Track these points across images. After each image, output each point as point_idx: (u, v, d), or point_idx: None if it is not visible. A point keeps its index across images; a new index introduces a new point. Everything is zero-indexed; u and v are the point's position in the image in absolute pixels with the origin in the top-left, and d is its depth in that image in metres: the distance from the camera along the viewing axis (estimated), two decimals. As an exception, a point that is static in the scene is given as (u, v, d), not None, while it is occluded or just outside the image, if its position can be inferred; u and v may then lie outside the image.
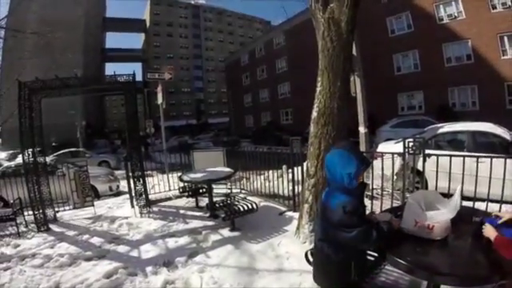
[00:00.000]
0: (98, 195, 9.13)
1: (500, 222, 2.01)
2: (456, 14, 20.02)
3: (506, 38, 17.97)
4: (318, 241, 2.31)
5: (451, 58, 20.65)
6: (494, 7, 18.09)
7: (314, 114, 4.12)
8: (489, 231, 1.94)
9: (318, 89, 4.08)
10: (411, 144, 4.21)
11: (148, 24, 70.02)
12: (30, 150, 5.60)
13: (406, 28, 22.88)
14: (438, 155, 4.17)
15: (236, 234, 4.85)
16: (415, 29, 22.20)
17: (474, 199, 3.82)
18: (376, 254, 2.44)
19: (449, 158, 3.96)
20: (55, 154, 16.46)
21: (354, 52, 6.89)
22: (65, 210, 6.64)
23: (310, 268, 2.91)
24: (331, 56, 3.97)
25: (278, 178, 6.85)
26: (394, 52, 23.37)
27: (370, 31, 19.98)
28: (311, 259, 2.81)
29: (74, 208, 6.59)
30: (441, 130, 7.00)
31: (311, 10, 4.29)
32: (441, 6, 20.65)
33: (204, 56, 76.05)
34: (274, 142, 17.89)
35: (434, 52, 20.97)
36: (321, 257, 2.27)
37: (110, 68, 71.87)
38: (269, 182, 6.79)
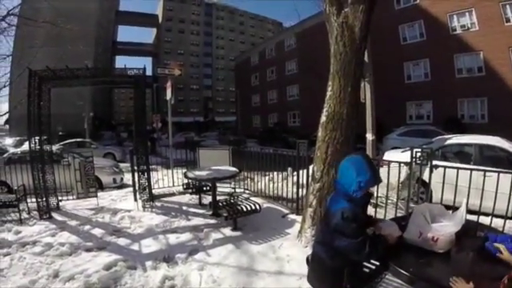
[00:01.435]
0: (101, 187, 9.16)
1: None
2: (469, 25, 19.88)
3: (517, 52, 17.83)
4: (316, 243, 2.32)
5: (462, 69, 20.49)
6: (508, 20, 17.95)
7: (323, 118, 4.11)
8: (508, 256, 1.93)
9: (329, 93, 4.07)
10: (418, 154, 4.17)
11: (160, 19, 70.27)
12: (37, 137, 5.64)
13: (419, 37, 22.73)
14: (445, 167, 4.13)
15: (237, 233, 4.84)
16: (427, 38, 22.07)
17: (479, 213, 3.78)
18: (377, 263, 2.42)
19: (456, 170, 3.92)
20: (61, 144, 16.52)
21: (366, 58, 6.87)
22: (68, 200, 6.68)
23: (310, 272, 2.90)
24: (343, 61, 3.96)
25: (282, 180, 6.83)
26: (405, 60, 23.23)
27: (381, 38, 19.87)
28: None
29: (78, 198, 6.61)
30: (448, 142, 6.95)
31: (325, 14, 4.27)
32: (454, 16, 20.51)
33: (214, 54, 76.21)
34: (281, 144, 17.87)
35: (445, 62, 20.83)
36: (316, 259, 2.27)
37: (121, 61, 72.28)
38: (273, 183, 6.76)
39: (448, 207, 4.19)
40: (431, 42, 21.58)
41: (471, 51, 19.77)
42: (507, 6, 17.91)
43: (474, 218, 3.65)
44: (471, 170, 3.91)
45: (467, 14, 19.84)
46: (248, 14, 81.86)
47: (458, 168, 3.97)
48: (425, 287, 1.94)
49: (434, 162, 4.36)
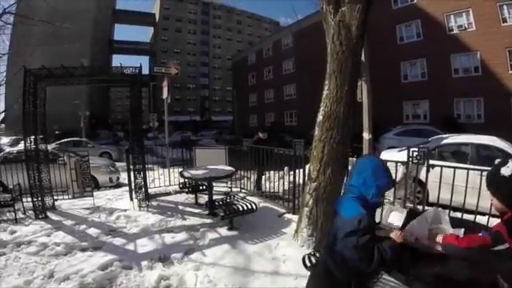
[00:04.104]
0: (97, 186, 9.11)
1: None
2: (466, 26, 19.95)
3: (515, 52, 17.92)
4: (325, 251, 2.11)
5: (459, 69, 20.57)
6: (505, 21, 18.03)
7: (320, 117, 4.10)
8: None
9: (325, 92, 4.05)
10: (415, 153, 4.17)
11: (157, 18, 70.14)
12: (33, 137, 5.59)
13: (416, 36, 22.79)
14: (442, 166, 4.13)
15: (234, 233, 4.82)
16: (424, 38, 22.14)
17: (476, 213, 3.79)
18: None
19: (452, 169, 3.92)
20: (57, 143, 16.43)
21: (363, 58, 6.87)
22: (64, 199, 6.63)
23: (307, 272, 2.87)
24: (340, 60, 3.94)
25: (279, 179, 6.82)
26: (402, 60, 23.30)
27: (378, 37, 19.91)
28: (308, 264, 2.75)
29: (73, 197, 6.55)
30: (445, 141, 6.98)
31: (322, 13, 4.26)
32: (451, 16, 20.57)
33: (211, 53, 76.03)
34: (277, 143, 17.85)
35: (441, 62, 20.90)
36: (322, 268, 2.09)
37: (118, 60, 72.17)
38: (270, 182, 6.75)
39: (445, 206, 4.24)
40: (428, 41, 21.64)
41: (468, 51, 19.85)
42: (504, 7, 17.98)
43: (471, 217, 3.69)
44: (468, 169, 3.91)
45: (464, 14, 19.89)
46: (245, 13, 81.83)
47: (454, 167, 3.98)
48: (421, 287, 1.93)
49: (431, 162, 4.37)
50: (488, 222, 3.60)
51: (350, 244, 1.79)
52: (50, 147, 7.33)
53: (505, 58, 18.11)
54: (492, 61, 18.61)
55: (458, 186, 3.88)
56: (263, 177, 7.28)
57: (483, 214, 3.85)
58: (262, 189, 7.20)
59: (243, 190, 7.31)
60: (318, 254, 2.87)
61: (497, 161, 1.89)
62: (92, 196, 6.60)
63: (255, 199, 5.98)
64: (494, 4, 18.18)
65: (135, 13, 69.84)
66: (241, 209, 4.92)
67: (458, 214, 4.02)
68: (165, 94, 9.29)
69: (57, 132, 28.66)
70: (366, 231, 1.75)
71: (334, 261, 1.95)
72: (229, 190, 7.13)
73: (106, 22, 62.52)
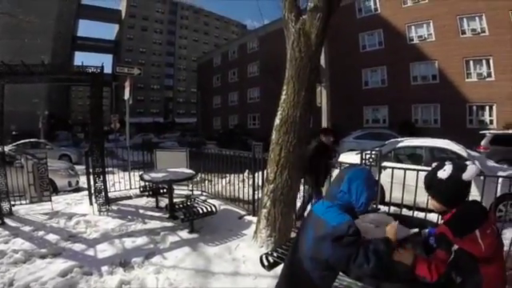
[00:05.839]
0: (56, 190, 8.76)
1: None
2: (426, 36, 21.06)
3: (471, 62, 19.13)
4: (308, 259, 1.90)
5: (417, 77, 21.64)
6: (464, 32, 19.24)
7: (277, 121, 4.20)
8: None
9: (283, 97, 4.17)
10: (368, 156, 4.38)
11: (123, 15, 68.33)
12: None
13: (377, 45, 23.74)
14: (392, 168, 4.36)
15: (194, 236, 4.85)
16: (386, 46, 23.12)
17: (426, 210, 4.04)
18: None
19: (403, 170, 4.15)
20: (14, 144, 15.62)
21: (323, 64, 7.09)
22: (21, 204, 6.33)
23: (266, 272, 2.95)
24: (298, 66, 4.06)
25: (239, 182, 6.88)
26: (364, 67, 24.20)
27: (342, 45, 20.59)
28: (266, 263, 2.83)
29: (31, 202, 6.26)
30: (401, 144, 7.32)
31: (284, 20, 4.37)
32: (412, 27, 21.63)
33: (177, 54, 75.11)
34: (240, 146, 17.88)
35: (401, 70, 21.90)
36: (300, 275, 1.94)
37: (81, 57, 69.44)
38: (230, 185, 6.81)
39: (398, 205, 4.47)
40: (389, 50, 22.62)
41: (427, 60, 20.94)
42: (464, 20, 19.17)
43: (422, 214, 3.93)
44: (418, 170, 4.16)
45: (425, 25, 21.01)
46: (213, 15, 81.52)
47: (404, 169, 4.21)
48: (371, 282, 2.06)
49: (384, 164, 4.60)
50: (438, 219, 3.85)
51: (339, 246, 1.75)
52: (6, 149, 6.99)
53: (462, 67, 19.30)
54: (449, 70, 19.73)
55: (410, 185, 4.10)
56: (224, 180, 7.27)
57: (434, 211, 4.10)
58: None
59: (204, 193, 7.33)
60: (275, 254, 2.97)
61: (433, 164, 2.03)
62: (50, 201, 6.36)
63: (216, 202, 6.02)
64: (453, 17, 19.32)
65: (101, 9, 67.30)
66: (201, 211, 4.96)
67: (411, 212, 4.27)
68: (127, 95, 9.09)
69: (14, 132, 27.23)
70: (354, 235, 1.74)
71: (316, 269, 1.88)
72: (190, 192, 7.13)
73: (70, 17, 59.95)
